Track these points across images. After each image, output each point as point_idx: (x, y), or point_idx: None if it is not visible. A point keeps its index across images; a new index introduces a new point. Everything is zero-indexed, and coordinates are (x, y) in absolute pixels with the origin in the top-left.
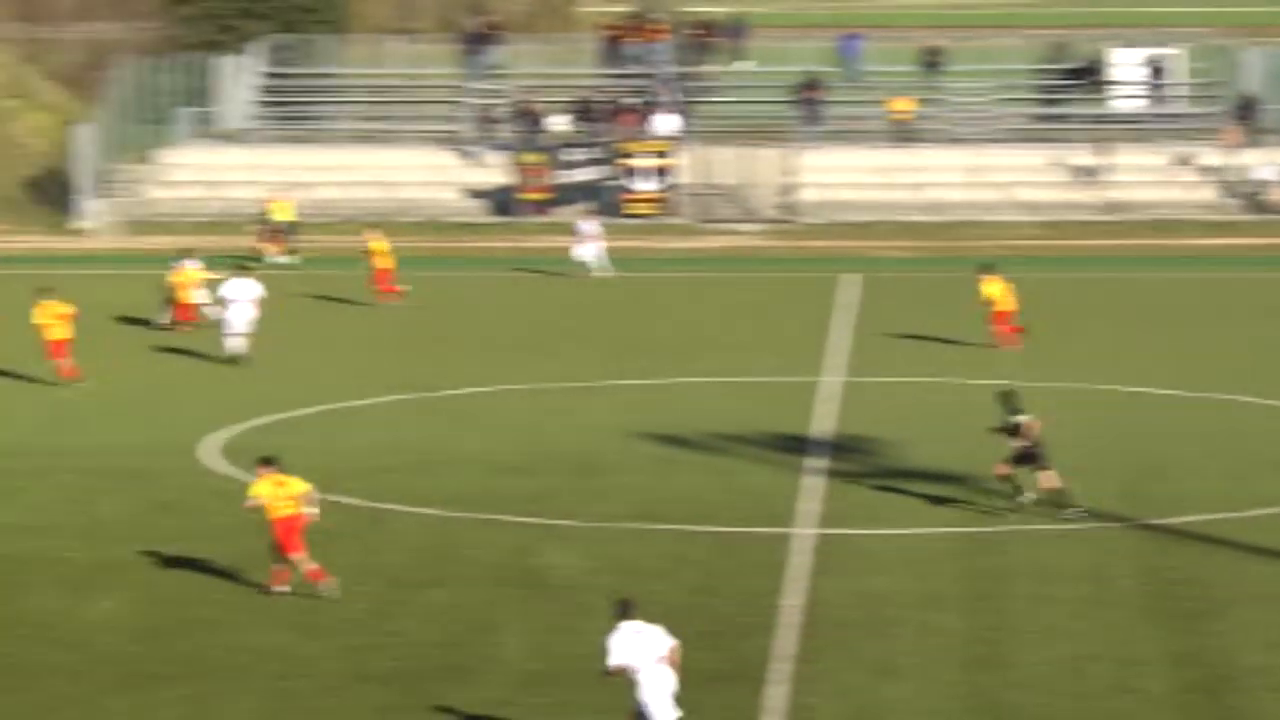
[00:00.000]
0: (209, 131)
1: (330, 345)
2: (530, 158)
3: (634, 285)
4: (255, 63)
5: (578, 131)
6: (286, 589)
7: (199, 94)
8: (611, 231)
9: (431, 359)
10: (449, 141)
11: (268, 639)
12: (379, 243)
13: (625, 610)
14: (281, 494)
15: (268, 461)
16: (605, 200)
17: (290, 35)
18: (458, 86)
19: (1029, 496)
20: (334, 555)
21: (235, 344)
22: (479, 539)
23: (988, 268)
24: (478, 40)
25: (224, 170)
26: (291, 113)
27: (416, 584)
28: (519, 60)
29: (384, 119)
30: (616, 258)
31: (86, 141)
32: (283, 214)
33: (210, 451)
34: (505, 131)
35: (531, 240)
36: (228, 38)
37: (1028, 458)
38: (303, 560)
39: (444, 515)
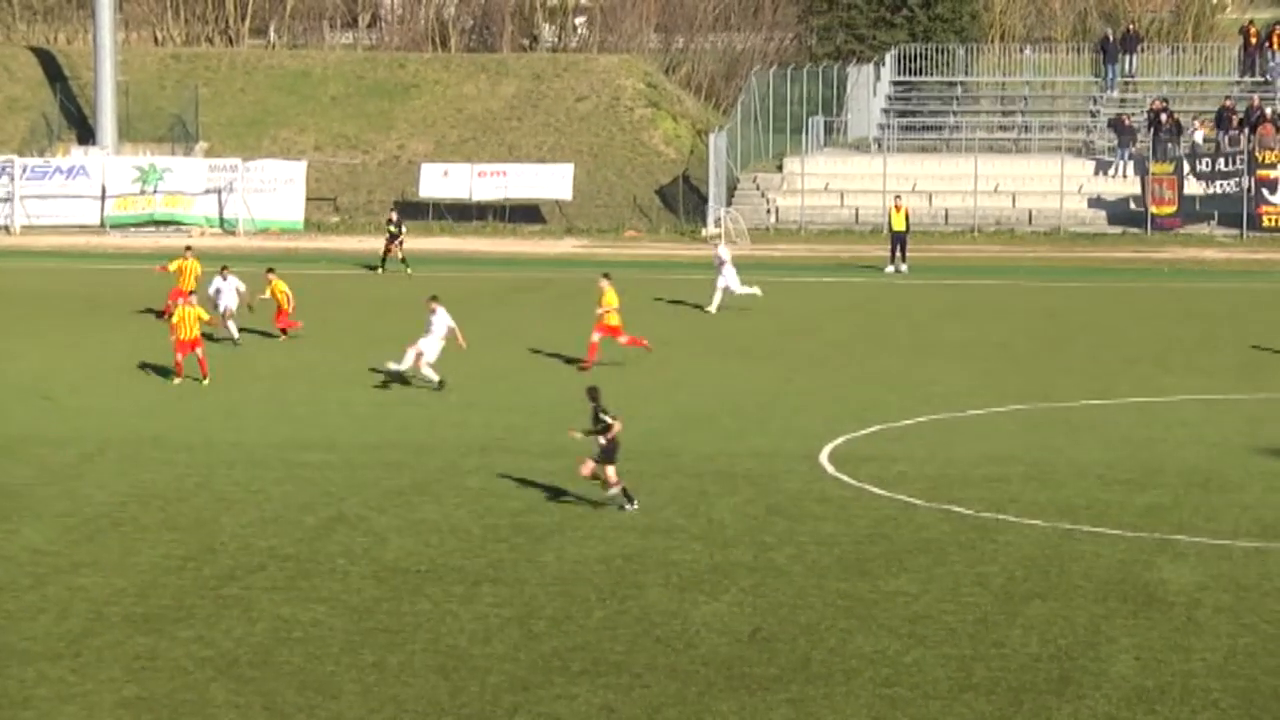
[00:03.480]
0: (838, 140)
1: (946, 354)
2: (1162, 168)
3: (1260, 296)
4: (886, 72)
5: (1214, 141)
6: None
7: (830, 103)
8: (1245, 244)
9: (1049, 370)
10: (1079, 150)
11: (873, 644)
12: None
13: None
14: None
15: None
16: (1237, 212)
17: (921, 44)
18: (1090, 97)
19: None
20: (943, 564)
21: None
22: (1090, 551)
23: None
24: (1113, 48)
25: (850, 179)
26: (920, 122)
27: (1024, 595)
28: (1155, 68)
29: (1013, 128)
30: (1246, 271)
31: (718, 150)
32: (897, 223)
33: (824, 457)
34: (1139, 141)
35: (1155, 251)
36: (860, 47)
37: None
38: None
39: (1055, 527)
